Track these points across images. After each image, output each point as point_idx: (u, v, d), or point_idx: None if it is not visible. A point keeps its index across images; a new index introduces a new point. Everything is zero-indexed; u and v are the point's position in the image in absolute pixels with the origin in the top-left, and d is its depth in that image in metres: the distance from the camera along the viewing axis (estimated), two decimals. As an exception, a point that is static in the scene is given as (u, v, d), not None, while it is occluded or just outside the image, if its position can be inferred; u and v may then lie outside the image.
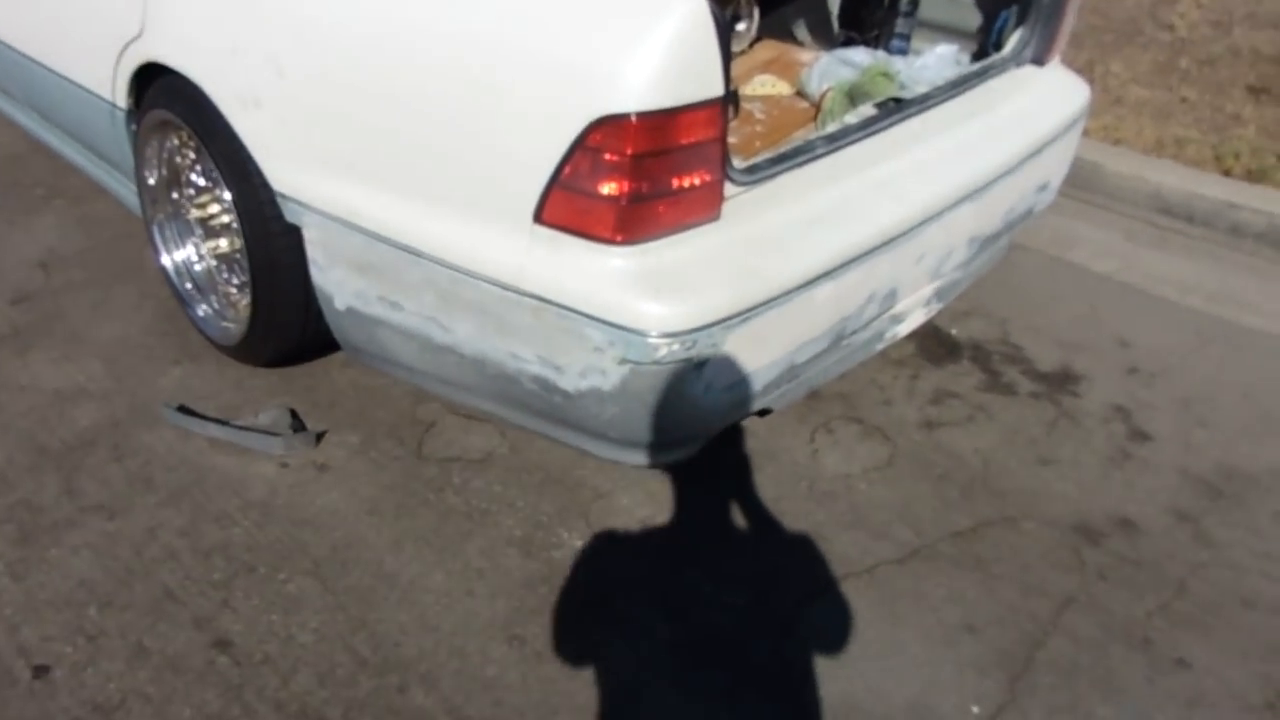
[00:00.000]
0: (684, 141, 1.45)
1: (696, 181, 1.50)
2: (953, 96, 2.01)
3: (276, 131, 1.90)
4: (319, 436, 2.13)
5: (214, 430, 2.12)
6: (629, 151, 1.43)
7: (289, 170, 1.90)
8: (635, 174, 1.45)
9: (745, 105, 2.22)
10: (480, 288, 1.63)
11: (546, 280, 1.54)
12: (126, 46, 2.20)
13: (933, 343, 2.58)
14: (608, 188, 1.46)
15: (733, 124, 2.17)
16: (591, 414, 1.61)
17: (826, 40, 2.83)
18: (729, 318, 1.51)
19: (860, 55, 2.27)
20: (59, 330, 2.46)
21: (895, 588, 1.87)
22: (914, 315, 2.07)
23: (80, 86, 2.46)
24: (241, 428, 2.12)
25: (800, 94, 2.29)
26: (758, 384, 1.65)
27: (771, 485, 2.09)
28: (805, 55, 2.53)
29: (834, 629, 1.78)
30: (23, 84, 2.84)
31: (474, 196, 1.61)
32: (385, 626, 1.74)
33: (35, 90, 2.78)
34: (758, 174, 1.62)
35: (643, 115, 1.41)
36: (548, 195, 1.51)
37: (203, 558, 1.85)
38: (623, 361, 1.50)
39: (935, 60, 2.21)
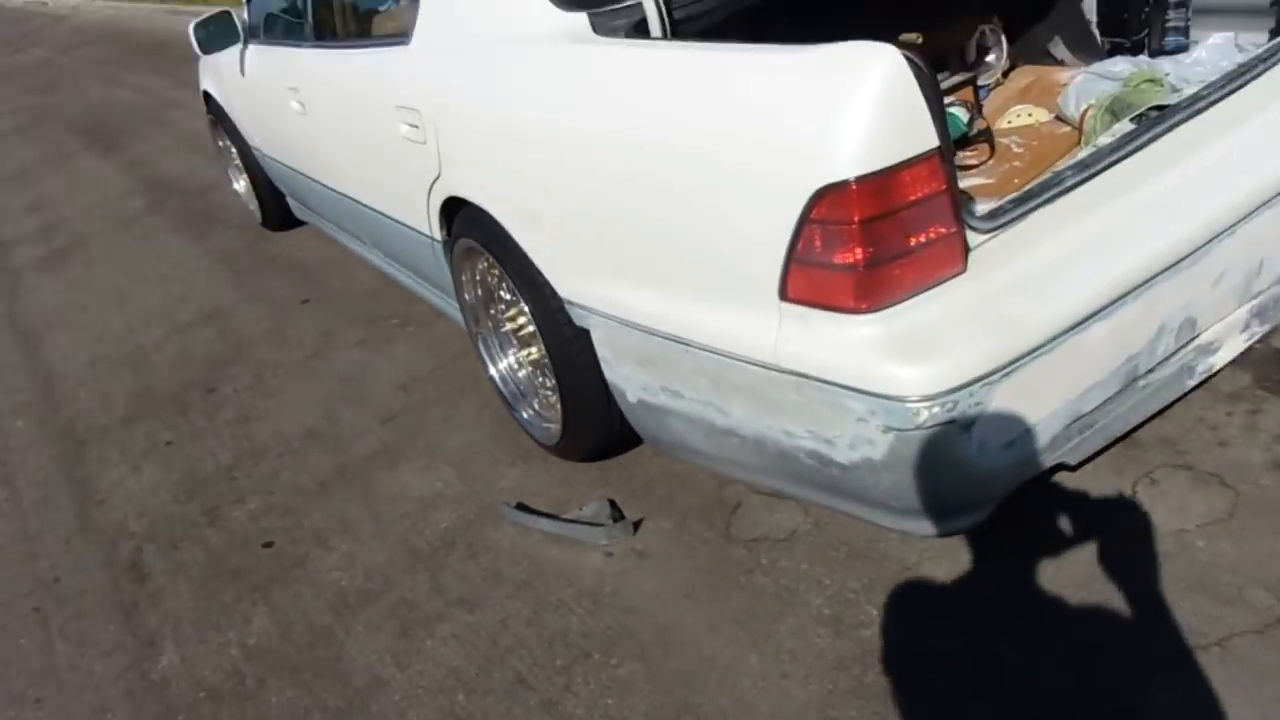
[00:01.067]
0: (908, 199, 1.39)
1: (931, 237, 1.43)
2: (1233, 91, 1.75)
3: (553, 244, 2.06)
4: (636, 525, 2.24)
5: (546, 525, 2.31)
6: (855, 218, 1.40)
7: (569, 278, 2.05)
8: (865, 239, 1.41)
9: (1001, 140, 2.08)
10: (745, 370, 1.66)
11: (801, 356, 1.53)
12: (432, 186, 2.48)
13: (1273, 368, 2.23)
14: (841, 257, 1.44)
15: (988, 163, 2.05)
16: (869, 485, 1.57)
17: (1090, 54, 2.56)
18: (989, 374, 1.41)
19: (1121, 64, 2.04)
20: (420, 443, 2.80)
21: (1257, 664, 1.60)
22: (1230, 343, 1.80)
23: (406, 225, 2.82)
24: (569, 520, 2.29)
25: (1060, 118, 2.11)
26: (1040, 438, 1.53)
27: (1091, 548, 1.89)
28: (1065, 75, 2.32)
29: (1182, 714, 1.56)
30: (369, 230, 3.29)
31: (723, 282, 1.65)
32: (708, 710, 1.78)
33: (378, 233, 3.21)
34: (1002, 217, 1.51)
35: (860, 179, 1.38)
36: (787, 272, 1.51)
37: (546, 645, 2.01)
38: (887, 430, 1.46)
39: (1209, 53, 1.94)
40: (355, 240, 3.72)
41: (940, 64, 2.51)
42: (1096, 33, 2.56)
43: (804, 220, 1.45)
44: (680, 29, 1.88)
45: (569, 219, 1.98)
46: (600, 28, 1.93)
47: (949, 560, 1.96)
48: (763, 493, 2.23)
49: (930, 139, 1.39)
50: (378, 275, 3.76)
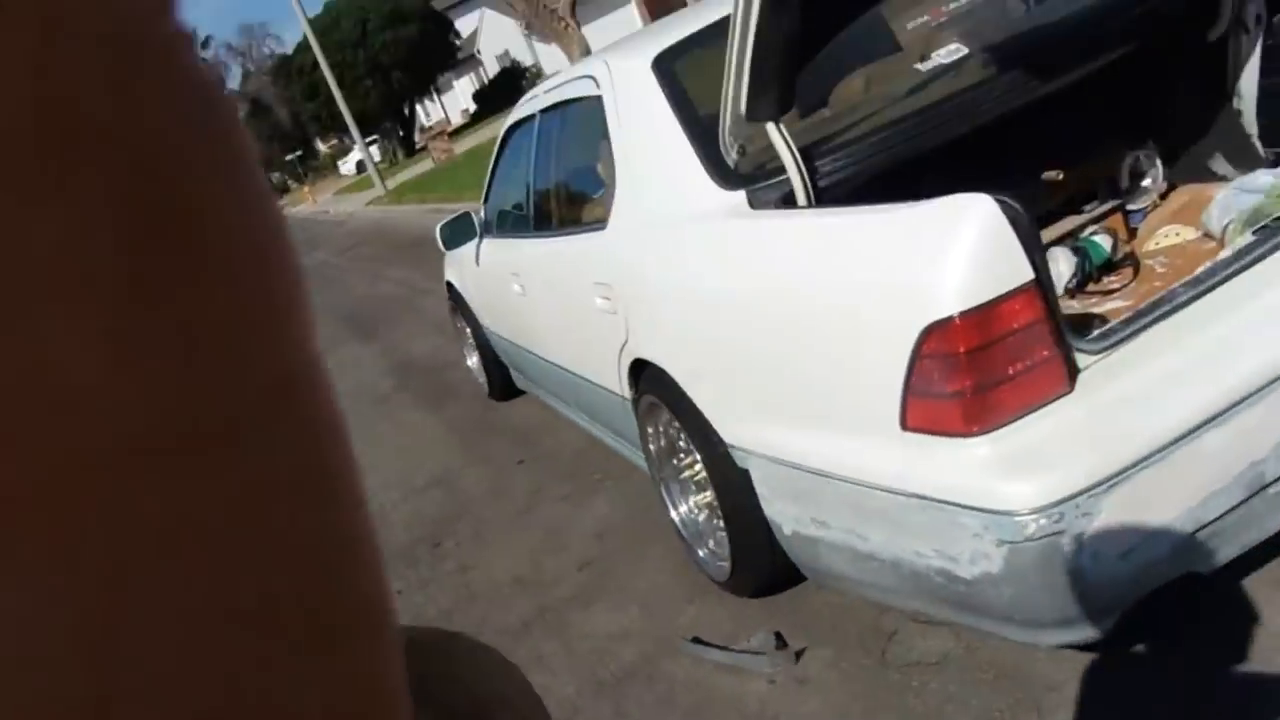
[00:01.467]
0: (1009, 328, 1.55)
1: (1034, 361, 1.58)
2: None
3: (717, 394, 2.31)
4: (799, 654, 2.36)
5: (717, 655, 2.46)
6: (960, 349, 1.57)
7: (730, 424, 2.28)
8: (971, 368, 1.57)
9: (1147, 261, 2.18)
10: (878, 496, 1.81)
11: (923, 479, 1.68)
12: (622, 350, 2.81)
13: None
14: (951, 386, 1.60)
15: (1130, 285, 2.14)
16: (992, 598, 1.66)
17: (1253, 167, 2.62)
18: (1095, 485, 1.51)
19: (1265, 177, 2.12)
20: (611, 585, 3.03)
21: None
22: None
23: (603, 387, 3.15)
24: (737, 651, 2.43)
25: (1208, 234, 2.19)
26: (1160, 547, 1.58)
27: (1248, 664, 1.85)
28: (1216, 191, 2.41)
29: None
30: (574, 393, 3.66)
31: (855, 417, 1.83)
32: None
33: (581, 396, 3.57)
34: (1112, 338, 1.64)
35: (963, 314, 1.56)
36: (906, 404, 1.68)
37: (711, 768, 2.14)
38: (1000, 543, 1.56)
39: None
40: (564, 404, 4.11)
41: (1090, 194, 2.64)
42: (1259, 144, 2.61)
43: (916, 356, 1.63)
44: (826, 194, 2.14)
45: (729, 371, 2.24)
46: (755, 202, 2.22)
47: (1096, 678, 1.95)
48: (919, 620, 2.31)
49: (1025, 273, 1.56)
50: (584, 435, 4.11)
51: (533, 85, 5.72)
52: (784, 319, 1.97)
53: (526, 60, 37.60)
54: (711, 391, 2.33)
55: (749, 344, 2.12)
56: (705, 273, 2.29)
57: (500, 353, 4.84)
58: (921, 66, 2.33)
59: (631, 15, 35.66)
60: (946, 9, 2.46)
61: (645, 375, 2.74)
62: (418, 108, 43.46)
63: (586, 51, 23.19)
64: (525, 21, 22.75)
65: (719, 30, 3.02)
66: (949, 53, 2.30)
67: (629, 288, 2.67)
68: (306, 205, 33.30)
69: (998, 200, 1.56)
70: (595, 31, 24.56)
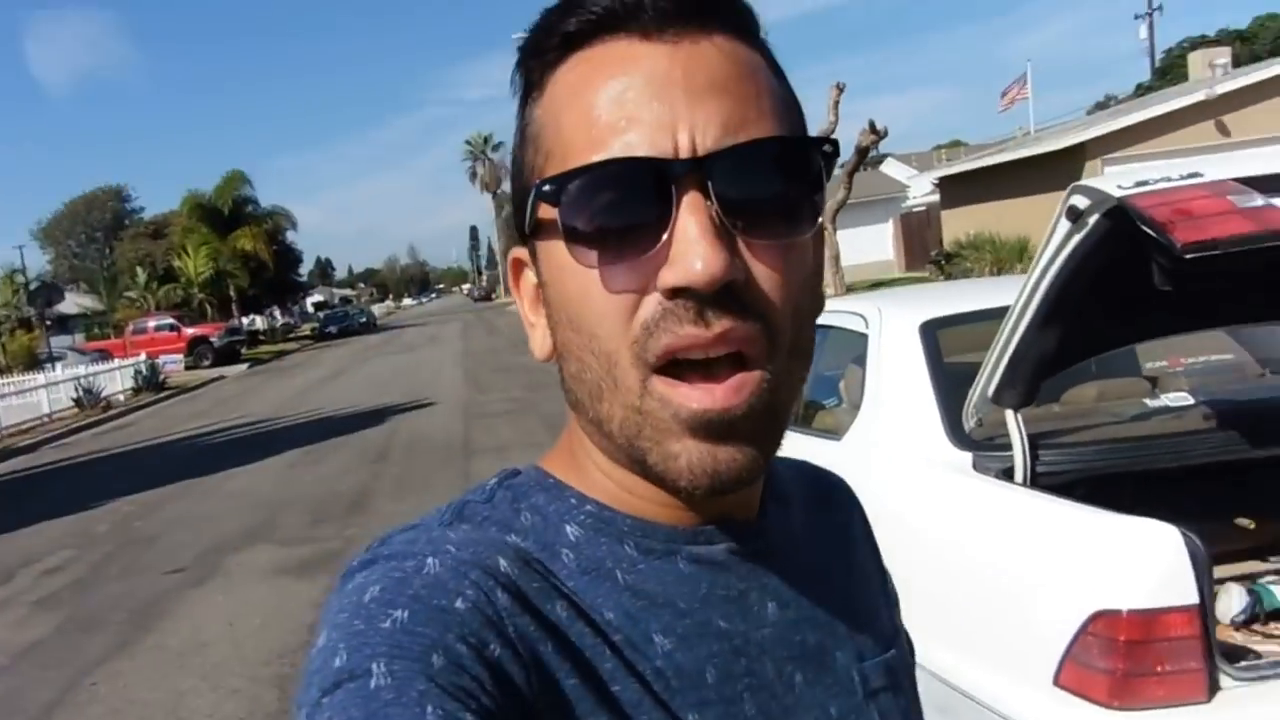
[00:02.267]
0: (1166, 635, 1.96)
1: (1181, 668, 1.97)
2: None
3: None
4: None
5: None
6: (1121, 638, 1.99)
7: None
8: (1127, 656, 1.98)
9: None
10: (1017, 730, 2.21)
11: (1061, 730, 2.08)
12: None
13: None
14: (1106, 664, 2.01)
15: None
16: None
17: None
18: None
19: None
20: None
21: None
22: None
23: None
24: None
25: None
26: None
27: None
28: None
29: None
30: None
31: (1011, 662, 2.24)
32: None
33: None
34: (1257, 673, 2.01)
35: (1131, 612, 1.98)
36: (1063, 664, 2.09)
37: None
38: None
39: None
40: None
41: (1277, 547, 2.95)
42: None
43: (1083, 630, 2.05)
44: (1040, 479, 2.60)
45: (906, 581, 2.67)
46: (979, 466, 2.70)
47: None
48: None
49: (1191, 597, 1.97)
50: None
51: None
52: (978, 568, 2.42)
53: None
54: (895, 603, 2.78)
55: (937, 576, 2.56)
56: (920, 503, 2.77)
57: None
58: (1149, 401, 2.78)
59: (884, 234, 36.98)
60: (1185, 362, 2.91)
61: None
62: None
63: (836, 254, 24.29)
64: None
65: (977, 316, 3.59)
66: (1177, 398, 2.75)
67: (848, 495, 3.16)
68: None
69: (1183, 534, 1.99)
70: (850, 235, 25.66)
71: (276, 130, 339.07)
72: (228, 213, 44.79)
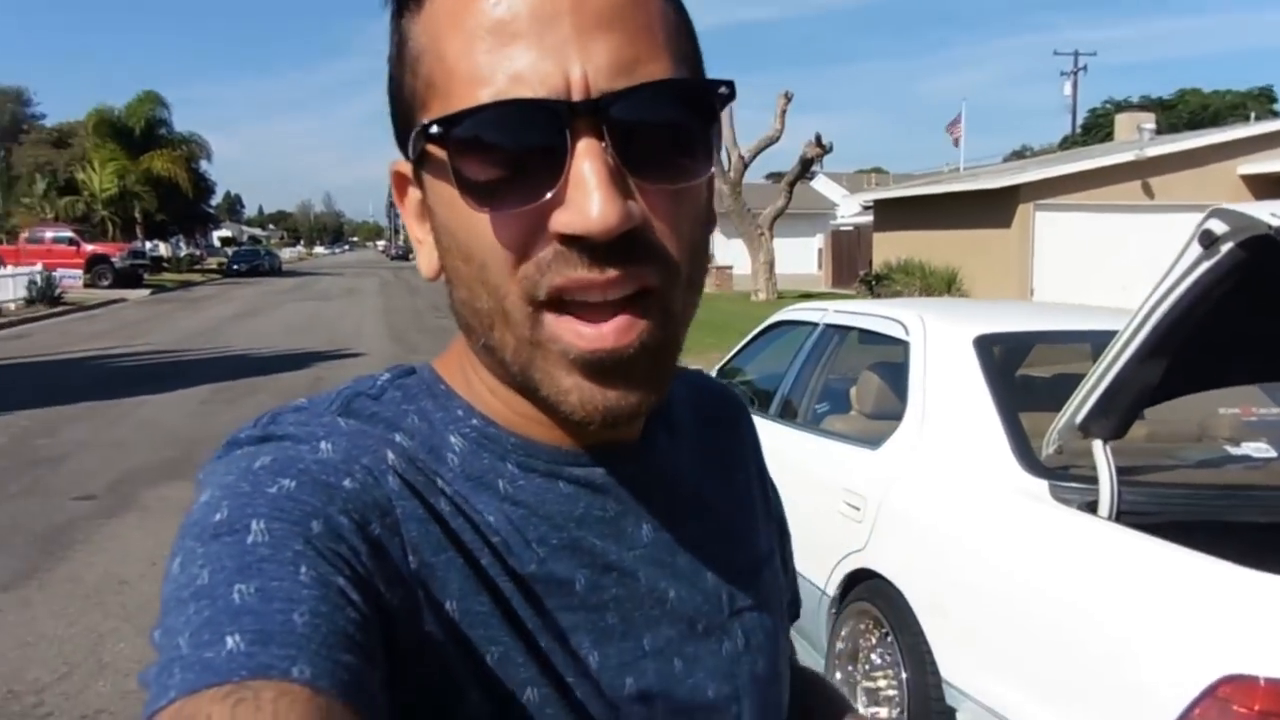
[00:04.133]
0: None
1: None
2: None
3: (955, 633, 2.61)
4: None
5: None
6: (1256, 708, 1.86)
7: (959, 663, 2.57)
8: (1258, 723, 1.86)
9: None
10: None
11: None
12: (848, 554, 3.13)
13: None
14: (1233, 728, 1.89)
15: None
16: None
17: None
18: None
19: None
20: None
21: None
22: None
23: (801, 574, 3.44)
24: None
25: None
26: None
27: None
28: None
29: None
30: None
31: (1107, 713, 2.11)
32: None
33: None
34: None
35: (1269, 680, 1.86)
36: (1179, 726, 1.96)
37: None
38: None
39: None
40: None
41: None
42: None
43: (1206, 694, 1.92)
44: (1125, 517, 2.48)
45: (982, 620, 2.54)
46: (1058, 495, 2.57)
47: None
48: None
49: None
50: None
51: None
52: (1067, 605, 2.29)
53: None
54: (948, 628, 2.63)
55: (1018, 609, 2.43)
56: (988, 534, 2.62)
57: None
58: (1230, 448, 2.70)
59: (810, 248, 37.33)
60: (1258, 412, 2.84)
61: (866, 584, 3.05)
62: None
63: (770, 260, 24.46)
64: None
65: (1039, 337, 3.48)
66: (1259, 449, 2.67)
67: (890, 509, 3.01)
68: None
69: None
70: (778, 245, 25.83)
71: (197, 53, 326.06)
72: (139, 133, 42.69)
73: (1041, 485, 2.62)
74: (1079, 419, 2.53)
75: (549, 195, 0.53)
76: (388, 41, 0.61)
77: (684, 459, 0.72)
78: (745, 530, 0.76)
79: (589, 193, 0.52)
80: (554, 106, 0.52)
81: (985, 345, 3.17)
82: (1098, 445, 2.50)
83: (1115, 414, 2.49)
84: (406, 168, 0.62)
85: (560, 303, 0.55)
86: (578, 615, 0.61)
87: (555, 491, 0.63)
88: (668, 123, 0.56)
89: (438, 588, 0.55)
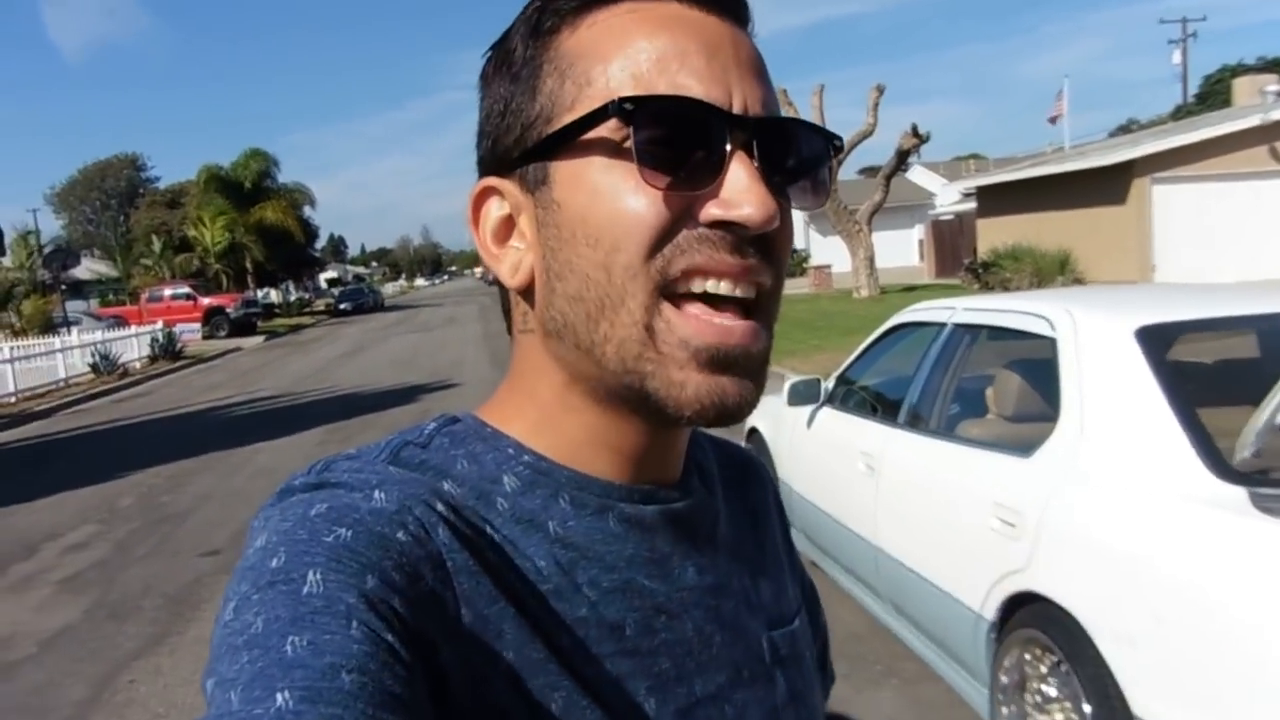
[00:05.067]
0: None
1: None
2: None
3: (1146, 667, 2.29)
4: None
5: None
6: None
7: (1153, 699, 2.26)
8: None
9: None
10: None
11: None
12: (1006, 575, 2.83)
13: None
14: None
15: None
16: None
17: None
18: None
19: None
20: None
21: None
22: None
23: (950, 595, 3.15)
24: None
25: None
26: None
27: None
28: None
29: None
30: (898, 586, 3.67)
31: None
32: None
33: (907, 592, 3.57)
34: None
35: None
36: None
37: None
38: None
39: None
40: (858, 584, 4.12)
41: None
42: None
43: None
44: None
45: (1177, 652, 2.22)
46: (1259, 504, 2.24)
47: None
48: None
49: None
50: (862, 620, 4.10)
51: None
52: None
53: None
54: (1137, 659, 2.32)
55: (1220, 640, 2.11)
56: (1179, 552, 2.30)
57: (797, 513, 4.88)
58: None
59: (910, 240, 36.52)
60: None
61: (1030, 609, 2.74)
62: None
63: (870, 256, 23.91)
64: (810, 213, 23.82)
65: (1207, 325, 3.12)
66: None
67: (1054, 525, 2.70)
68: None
69: None
70: (877, 239, 25.28)
71: (292, 105, 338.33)
72: (248, 186, 44.41)
73: (1239, 493, 2.29)
74: None
75: (709, 186, 0.57)
76: (494, 63, 0.64)
77: (720, 509, 0.73)
78: (777, 582, 0.77)
79: (750, 185, 0.57)
80: (724, 114, 0.58)
81: (1152, 338, 2.83)
82: (1303, 445, 2.18)
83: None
84: (498, 182, 0.63)
85: (680, 296, 0.58)
86: (632, 660, 0.61)
87: (605, 530, 0.63)
88: (799, 154, 0.62)
89: (494, 639, 0.56)
